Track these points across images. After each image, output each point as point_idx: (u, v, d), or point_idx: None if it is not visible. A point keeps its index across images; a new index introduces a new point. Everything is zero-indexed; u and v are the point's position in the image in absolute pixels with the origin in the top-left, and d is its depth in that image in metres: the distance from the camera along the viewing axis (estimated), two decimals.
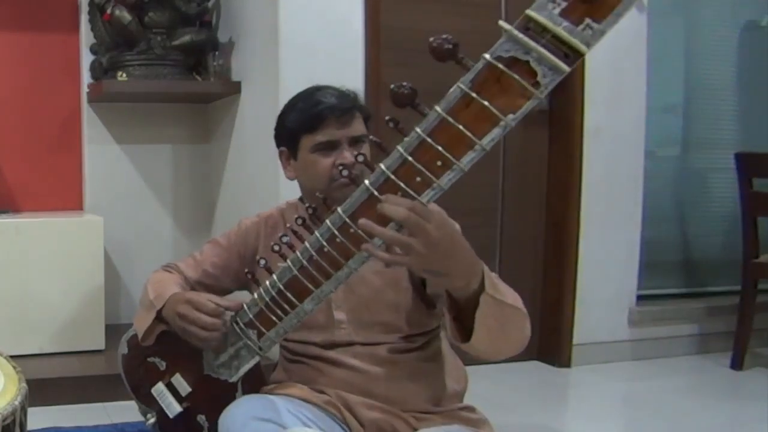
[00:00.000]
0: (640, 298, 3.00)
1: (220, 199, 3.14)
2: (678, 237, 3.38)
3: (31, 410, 1.31)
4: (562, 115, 2.86)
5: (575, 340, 2.86)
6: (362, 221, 1.03)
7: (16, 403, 1.20)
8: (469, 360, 1.36)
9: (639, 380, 2.79)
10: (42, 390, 2.17)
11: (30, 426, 1.31)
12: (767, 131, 3.39)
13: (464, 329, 1.13)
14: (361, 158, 1.10)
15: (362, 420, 1.34)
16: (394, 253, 1.03)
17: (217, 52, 2.96)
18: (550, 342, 2.90)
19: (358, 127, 1.38)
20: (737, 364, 2.83)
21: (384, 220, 1.01)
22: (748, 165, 2.81)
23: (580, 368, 2.85)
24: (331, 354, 1.40)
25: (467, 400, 1.45)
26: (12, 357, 1.44)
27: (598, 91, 2.82)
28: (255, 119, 2.73)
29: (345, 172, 1.10)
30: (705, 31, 3.38)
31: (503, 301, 1.12)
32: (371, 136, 1.25)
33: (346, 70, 2.50)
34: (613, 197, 2.89)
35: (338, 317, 1.40)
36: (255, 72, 2.75)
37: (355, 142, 1.37)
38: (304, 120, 1.39)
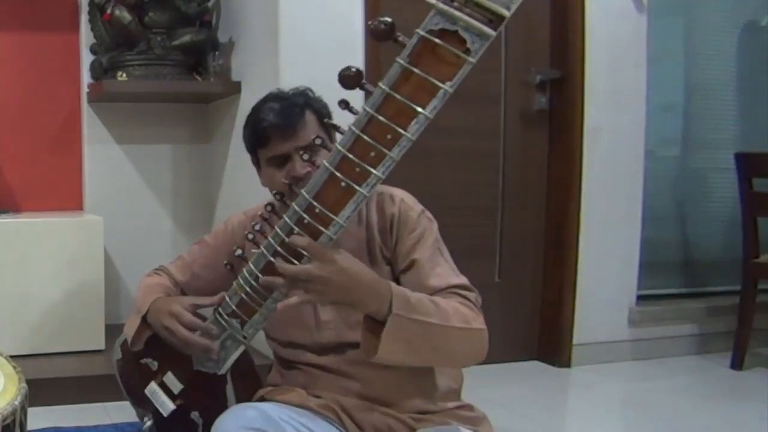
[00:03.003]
0: (640, 298, 3.00)
1: (220, 199, 3.14)
2: (678, 237, 3.38)
3: (31, 410, 1.31)
4: (562, 115, 2.86)
5: (575, 340, 2.86)
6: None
7: (16, 403, 1.20)
8: None
9: (639, 380, 2.79)
10: (42, 390, 2.17)
11: (30, 426, 1.31)
12: (767, 131, 3.39)
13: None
14: (311, 158, 1.22)
15: (360, 423, 1.34)
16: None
17: (217, 52, 2.96)
18: (550, 342, 2.90)
19: (305, 135, 1.37)
20: (737, 364, 2.83)
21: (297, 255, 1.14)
22: (748, 165, 2.81)
23: (580, 368, 2.85)
24: (323, 361, 1.40)
25: (467, 400, 1.45)
26: (12, 357, 1.44)
27: (598, 91, 2.82)
28: None
29: (278, 196, 1.22)
30: (705, 31, 3.38)
31: (422, 320, 1.17)
32: (329, 123, 1.27)
33: None
34: (613, 197, 2.89)
35: (324, 318, 1.40)
36: (255, 72, 2.75)
37: (306, 149, 1.34)
38: (253, 137, 1.44)
